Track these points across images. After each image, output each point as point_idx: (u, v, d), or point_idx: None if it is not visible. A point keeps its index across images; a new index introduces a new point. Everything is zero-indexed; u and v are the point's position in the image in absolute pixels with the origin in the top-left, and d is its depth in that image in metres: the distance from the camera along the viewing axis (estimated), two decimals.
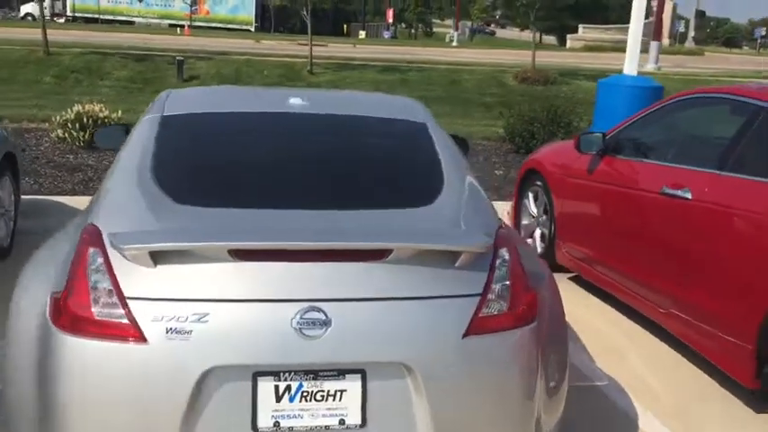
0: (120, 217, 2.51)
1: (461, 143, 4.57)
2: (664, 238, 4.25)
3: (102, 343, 2.21)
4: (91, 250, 2.34)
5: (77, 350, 2.23)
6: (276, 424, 2.27)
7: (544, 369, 2.58)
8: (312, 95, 3.81)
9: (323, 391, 2.30)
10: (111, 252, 2.29)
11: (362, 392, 2.30)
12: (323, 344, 2.25)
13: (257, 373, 2.26)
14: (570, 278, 5.53)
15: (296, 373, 2.27)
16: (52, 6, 56.36)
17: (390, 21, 57.89)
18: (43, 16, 18.02)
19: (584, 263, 5.11)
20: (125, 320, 2.21)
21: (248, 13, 54.16)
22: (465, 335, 2.34)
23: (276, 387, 2.27)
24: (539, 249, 5.78)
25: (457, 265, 2.39)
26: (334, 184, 2.89)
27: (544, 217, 5.71)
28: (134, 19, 54.94)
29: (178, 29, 41.65)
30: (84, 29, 35.37)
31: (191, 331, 2.20)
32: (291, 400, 2.28)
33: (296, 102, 3.38)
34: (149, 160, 2.83)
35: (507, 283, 2.46)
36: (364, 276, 2.34)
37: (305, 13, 16.18)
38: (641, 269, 4.45)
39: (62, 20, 54.17)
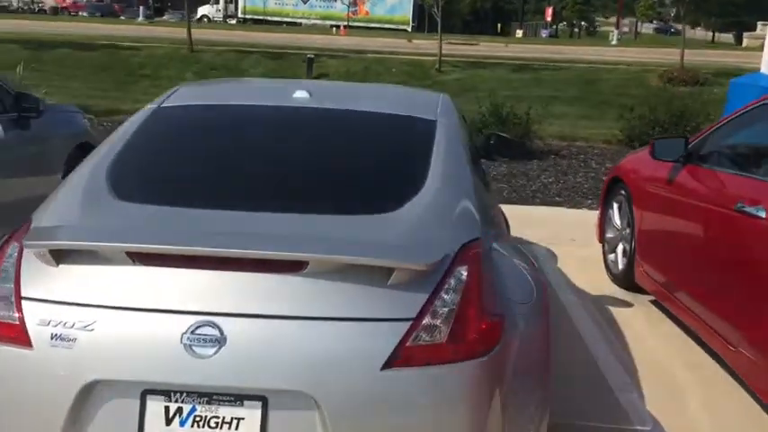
0: (53, 212, 2.42)
1: (507, 145, 4.18)
2: (734, 262, 3.59)
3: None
4: (11, 246, 2.25)
5: None
6: None
7: (503, 415, 2.17)
8: (324, 88, 3.59)
9: (218, 417, 2.05)
10: (25, 249, 2.18)
11: (262, 423, 2.03)
12: (215, 364, 2.01)
13: (146, 392, 2.05)
14: (651, 301, 4.90)
15: (188, 394, 2.04)
16: (225, 9, 60.15)
17: (549, 19, 56.27)
18: (189, 17, 18.98)
19: (661, 285, 4.49)
20: (17, 322, 2.09)
21: (405, 12, 54.69)
22: (385, 366, 2.00)
23: (166, 408, 2.05)
24: (620, 266, 5.18)
25: (390, 283, 2.06)
26: (292, 185, 2.64)
27: (627, 230, 5.10)
28: (299, 20, 57.30)
29: (334, 29, 42.82)
30: (247, 29, 37.18)
31: (75, 339, 2.04)
32: (182, 424, 2.05)
33: (301, 95, 3.17)
34: (114, 153, 2.73)
35: (454, 307, 2.09)
36: (274, 290, 2.07)
37: (435, 11, 15.95)
38: (711, 298, 3.81)
39: (233, 21, 57.53)
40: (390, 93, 4.15)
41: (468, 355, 2.08)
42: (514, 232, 6.23)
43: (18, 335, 2.07)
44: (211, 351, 2.00)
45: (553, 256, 5.76)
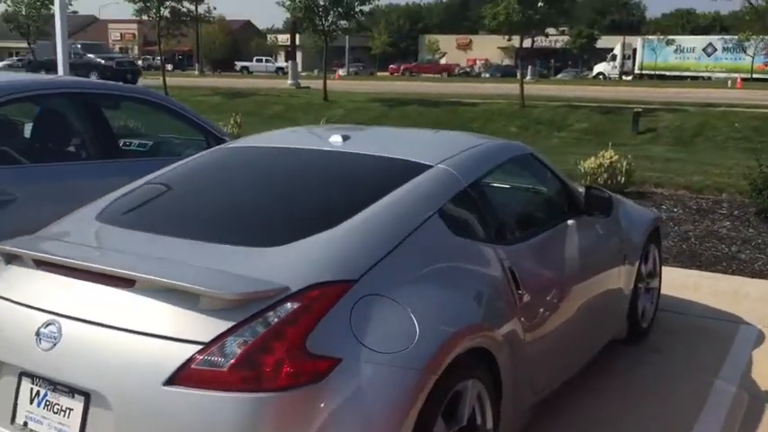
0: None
1: (596, 202, 3.75)
2: None
3: None
4: None
5: None
6: (25, 424, 2.40)
7: None
8: (366, 134, 3.74)
9: (59, 404, 2.35)
10: None
11: (83, 416, 2.29)
12: (52, 358, 2.32)
13: (22, 374, 2.42)
14: None
15: (43, 380, 2.37)
16: (622, 65, 59.66)
17: None
18: (522, 77, 19.42)
19: None
20: None
21: None
22: (167, 382, 2.14)
23: (31, 390, 2.40)
24: None
25: (200, 307, 2.21)
26: (225, 218, 2.90)
27: None
28: (702, 74, 54.07)
29: (729, 82, 39.47)
30: (633, 85, 36.42)
31: None
32: (39, 405, 2.39)
33: (335, 140, 3.41)
34: (144, 179, 3.31)
35: (254, 338, 2.15)
36: (104, 301, 2.35)
37: None
38: None
39: (629, 77, 56.77)
40: (428, 138, 4.06)
41: (257, 388, 2.11)
42: (734, 307, 5.31)
43: None
44: (49, 346, 2.33)
45: (759, 339, 4.81)
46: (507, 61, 66.71)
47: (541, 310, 3.18)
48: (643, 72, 57.67)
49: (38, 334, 2.35)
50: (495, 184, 3.86)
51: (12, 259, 2.62)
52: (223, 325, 2.16)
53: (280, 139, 3.75)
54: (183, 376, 2.13)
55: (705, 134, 14.33)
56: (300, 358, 2.14)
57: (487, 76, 60.38)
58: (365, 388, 2.21)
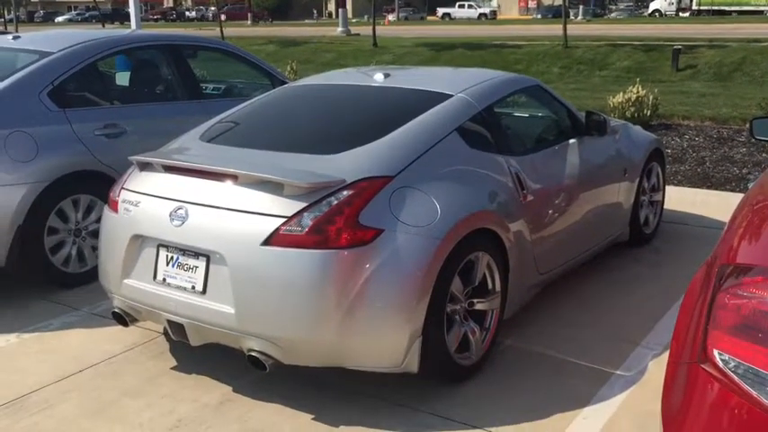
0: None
1: (593, 123, 4.58)
2: None
3: (107, 211, 3.67)
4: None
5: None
6: (163, 279, 3.29)
7: (340, 293, 2.95)
8: (406, 72, 4.60)
9: (188, 264, 3.21)
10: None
11: (206, 271, 3.15)
12: (183, 232, 3.21)
13: (160, 245, 3.32)
14: None
15: (176, 249, 3.26)
16: (678, 2, 58.04)
17: None
18: (565, 15, 19.62)
19: None
20: (115, 199, 3.63)
21: None
22: (263, 243, 3.02)
23: (167, 256, 3.29)
24: None
25: (284, 193, 3.07)
26: (294, 134, 3.84)
27: None
28: (762, 8, 52.37)
29: None
30: (688, 21, 35.76)
31: (131, 210, 3.44)
32: (173, 266, 3.26)
33: (378, 77, 4.31)
34: (231, 111, 4.29)
35: (321, 213, 3.01)
36: (218, 191, 3.20)
37: None
38: None
39: (687, 14, 55.31)
40: (452, 74, 4.87)
41: (325, 246, 2.94)
42: None
43: (114, 206, 3.67)
44: (180, 223, 3.24)
45: None
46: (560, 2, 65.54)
47: (543, 208, 4.00)
48: (701, 8, 55.97)
49: (171, 215, 3.24)
50: (507, 110, 4.67)
51: (144, 167, 3.59)
52: (300, 205, 3.02)
53: (334, 78, 4.68)
54: (274, 239, 2.99)
55: (743, 70, 14.62)
56: (354, 227, 2.99)
57: (538, 17, 59.67)
58: (400, 250, 3.05)
